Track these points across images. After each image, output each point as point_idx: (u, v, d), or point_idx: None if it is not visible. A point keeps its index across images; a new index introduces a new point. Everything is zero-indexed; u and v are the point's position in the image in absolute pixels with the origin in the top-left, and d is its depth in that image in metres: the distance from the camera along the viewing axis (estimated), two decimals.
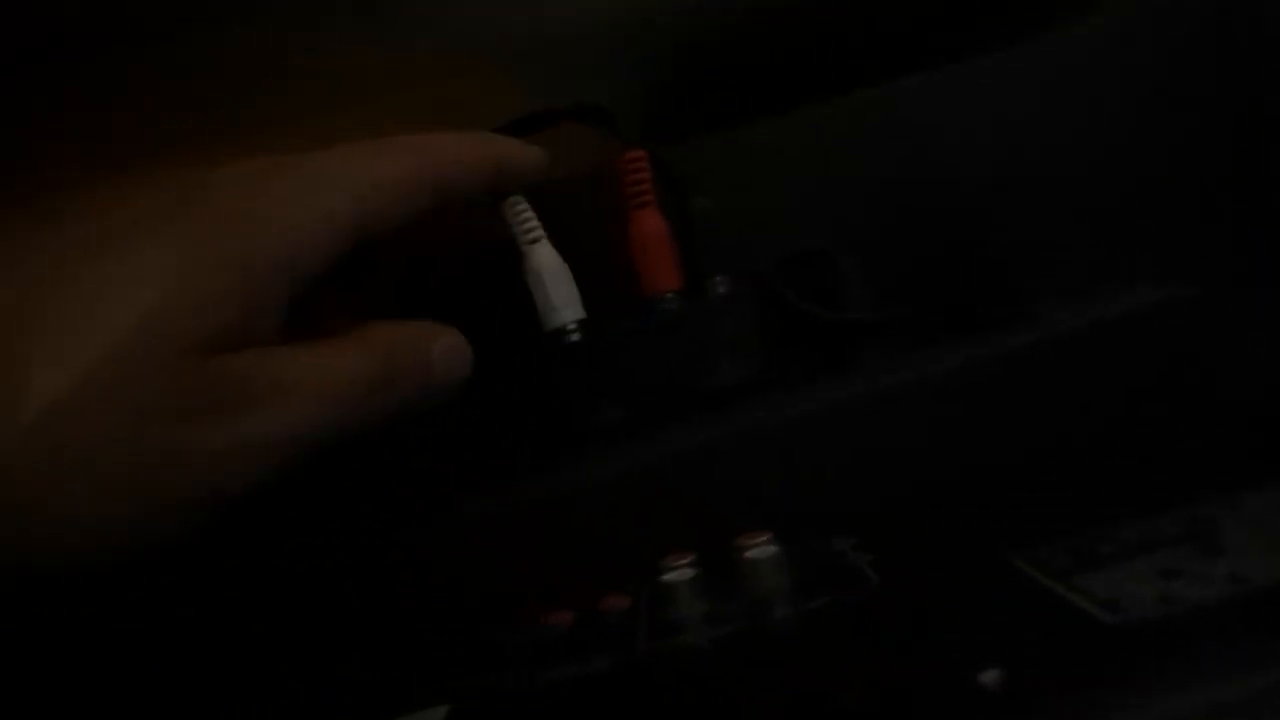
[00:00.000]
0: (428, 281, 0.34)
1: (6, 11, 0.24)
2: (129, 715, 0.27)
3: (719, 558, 0.25)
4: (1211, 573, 0.17)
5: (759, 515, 0.26)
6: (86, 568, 0.21)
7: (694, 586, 0.24)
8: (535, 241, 0.30)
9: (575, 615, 0.26)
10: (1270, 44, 0.36)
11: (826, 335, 0.34)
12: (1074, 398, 0.27)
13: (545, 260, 0.30)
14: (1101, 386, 0.27)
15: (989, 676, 0.16)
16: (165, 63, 0.25)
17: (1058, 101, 0.37)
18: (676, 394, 0.31)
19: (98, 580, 0.22)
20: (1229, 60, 0.37)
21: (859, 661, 0.19)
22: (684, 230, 0.32)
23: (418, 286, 0.34)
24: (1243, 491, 0.20)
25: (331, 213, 0.23)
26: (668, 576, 0.24)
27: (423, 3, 0.32)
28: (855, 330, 0.33)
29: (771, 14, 0.41)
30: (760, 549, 0.24)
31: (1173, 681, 0.15)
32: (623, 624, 0.24)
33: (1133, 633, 0.16)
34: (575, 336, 0.30)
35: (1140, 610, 0.17)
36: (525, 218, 0.30)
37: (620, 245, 0.31)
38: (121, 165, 0.28)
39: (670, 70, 0.45)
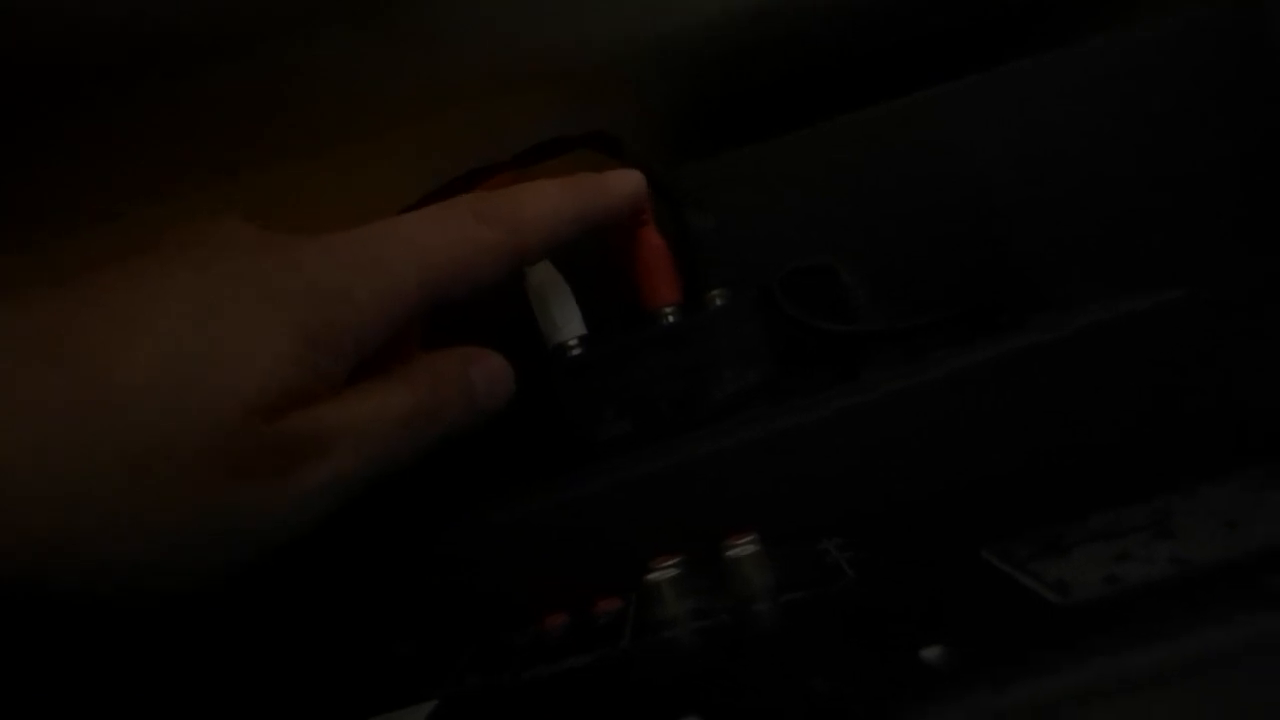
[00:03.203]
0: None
1: (25, 49, 0.25)
2: (129, 714, 0.28)
3: (705, 558, 0.25)
4: (1156, 555, 0.18)
5: (757, 521, 0.27)
6: (122, 609, 0.21)
7: (679, 585, 0.25)
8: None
9: (569, 618, 0.27)
10: None
11: (828, 347, 0.34)
12: (1060, 401, 0.27)
13: (546, 278, 0.31)
14: (1087, 389, 0.27)
15: (931, 652, 0.17)
16: (186, 92, 0.27)
17: (1072, 113, 0.37)
18: (677, 407, 0.32)
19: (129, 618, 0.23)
20: (1252, 70, 0.37)
21: (826, 649, 0.20)
22: (684, 246, 0.33)
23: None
24: (1204, 484, 0.21)
25: (402, 288, 0.23)
26: (653, 576, 0.25)
27: (448, 29, 0.34)
28: (856, 342, 0.34)
29: (788, 35, 0.42)
30: (742, 548, 0.24)
31: (1103, 651, 0.15)
32: (612, 623, 0.25)
33: (1076, 610, 0.17)
34: (576, 351, 0.31)
35: (1086, 591, 0.17)
36: None
37: (622, 263, 0.33)
38: (150, 194, 0.30)
39: (693, 90, 0.46)
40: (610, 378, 0.32)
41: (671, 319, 0.32)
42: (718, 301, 0.33)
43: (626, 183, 0.29)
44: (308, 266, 0.22)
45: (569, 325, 0.31)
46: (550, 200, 0.27)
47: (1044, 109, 0.37)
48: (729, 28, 0.41)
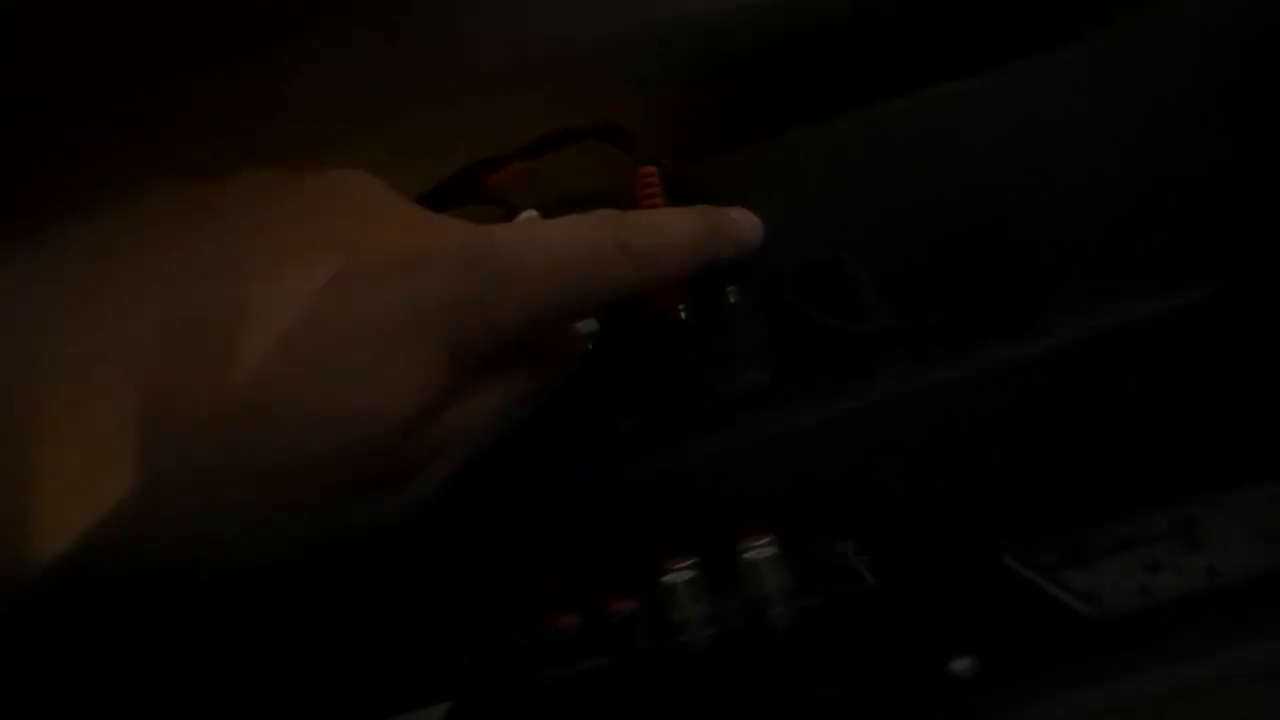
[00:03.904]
0: None
1: (24, 48, 0.25)
2: (132, 713, 0.28)
3: (720, 560, 0.25)
4: (1190, 566, 0.17)
5: (770, 521, 0.26)
6: (216, 595, 0.22)
7: (694, 587, 0.24)
8: None
9: (581, 617, 0.26)
10: None
11: (839, 344, 0.34)
12: (1080, 403, 0.27)
13: None
14: (1107, 391, 0.27)
15: (961, 664, 0.17)
16: (186, 91, 0.26)
17: (1079, 111, 0.37)
18: (688, 404, 0.32)
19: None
20: (1262, 67, 0.37)
21: (847, 656, 0.19)
22: None
23: None
24: (1234, 490, 0.20)
25: (537, 303, 0.23)
26: (668, 578, 0.24)
27: (448, 28, 0.33)
28: (866, 340, 0.34)
29: (791, 32, 0.42)
30: (758, 550, 0.24)
31: (1138, 666, 0.15)
32: (625, 625, 0.25)
33: (1109, 623, 0.17)
34: (587, 348, 0.31)
35: (1119, 603, 0.17)
36: None
37: None
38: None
39: (696, 87, 0.45)
40: (621, 375, 0.32)
41: (683, 316, 0.32)
42: (729, 299, 0.32)
43: (754, 229, 0.29)
44: (453, 275, 0.21)
45: (580, 322, 0.30)
46: (689, 238, 0.27)
47: (1051, 107, 0.37)
48: (732, 24, 0.41)
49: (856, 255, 0.36)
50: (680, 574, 0.25)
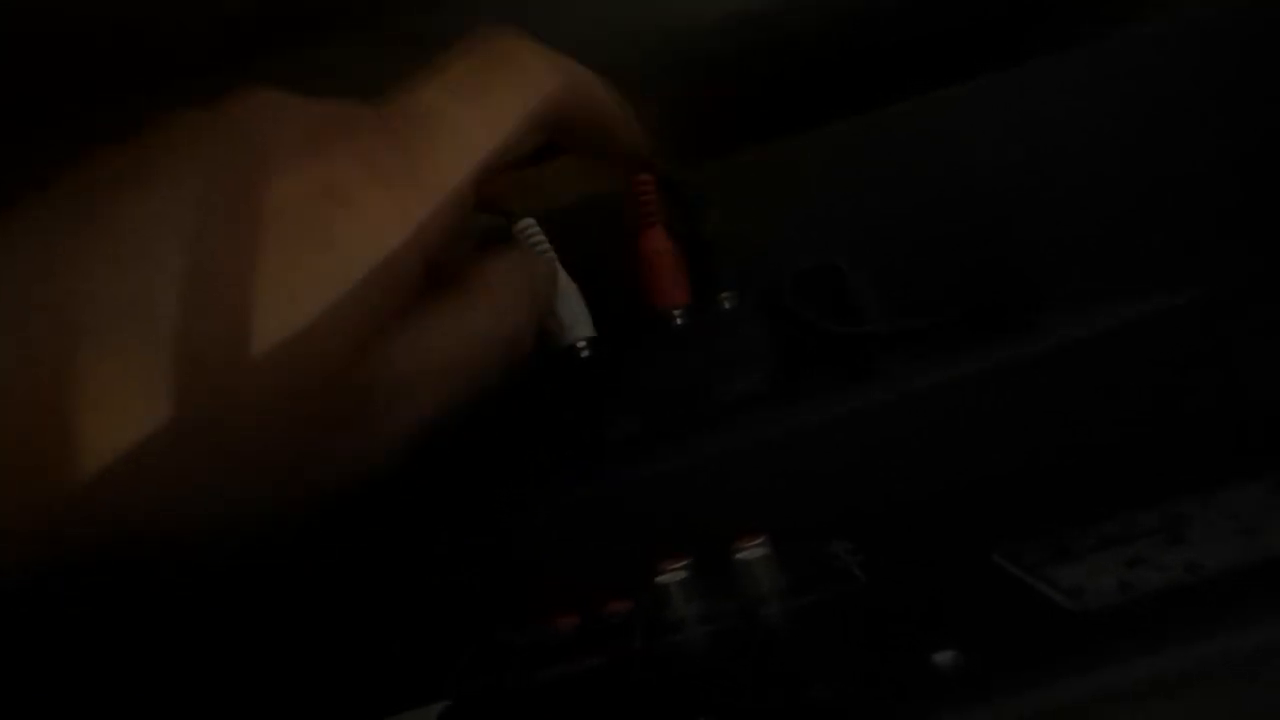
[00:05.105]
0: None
1: (29, 53, 0.25)
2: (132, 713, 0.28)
3: (715, 560, 0.25)
4: (1170, 562, 0.18)
5: (766, 522, 0.27)
6: (199, 548, 0.21)
7: (689, 587, 0.25)
8: None
9: (580, 618, 0.27)
10: None
11: (836, 349, 0.34)
12: (1073, 404, 0.27)
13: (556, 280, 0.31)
14: (1101, 393, 0.27)
15: (943, 657, 0.17)
16: (188, 96, 0.27)
17: (1078, 113, 0.37)
18: (685, 407, 0.32)
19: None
20: (1261, 68, 0.37)
21: (837, 653, 0.20)
22: (693, 248, 0.33)
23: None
24: (1220, 488, 0.20)
25: (459, 198, 0.21)
26: (663, 578, 0.25)
27: (448, 33, 0.34)
28: (864, 343, 0.34)
29: (793, 36, 0.42)
30: (751, 551, 0.24)
31: (1116, 658, 0.15)
32: (622, 625, 0.25)
33: (1089, 617, 0.17)
34: (585, 353, 0.31)
35: (1101, 598, 0.17)
36: (536, 240, 0.31)
37: (631, 264, 0.32)
38: None
39: (697, 91, 0.46)
40: (619, 379, 0.32)
41: (680, 320, 0.32)
42: (726, 303, 0.32)
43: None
44: (358, 197, 0.20)
45: (578, 327, 0.31)
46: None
47: (1049, 110, 0.37)
48: (734, 28, 0.41)
49: (853, 258, 0.36)
50: (674, 574, 0.25)
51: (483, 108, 0.23)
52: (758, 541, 0.25)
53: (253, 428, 0.19)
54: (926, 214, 0.37)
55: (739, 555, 0.24)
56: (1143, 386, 0.27)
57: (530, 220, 0.31)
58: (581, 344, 0.31)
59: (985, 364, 0.29)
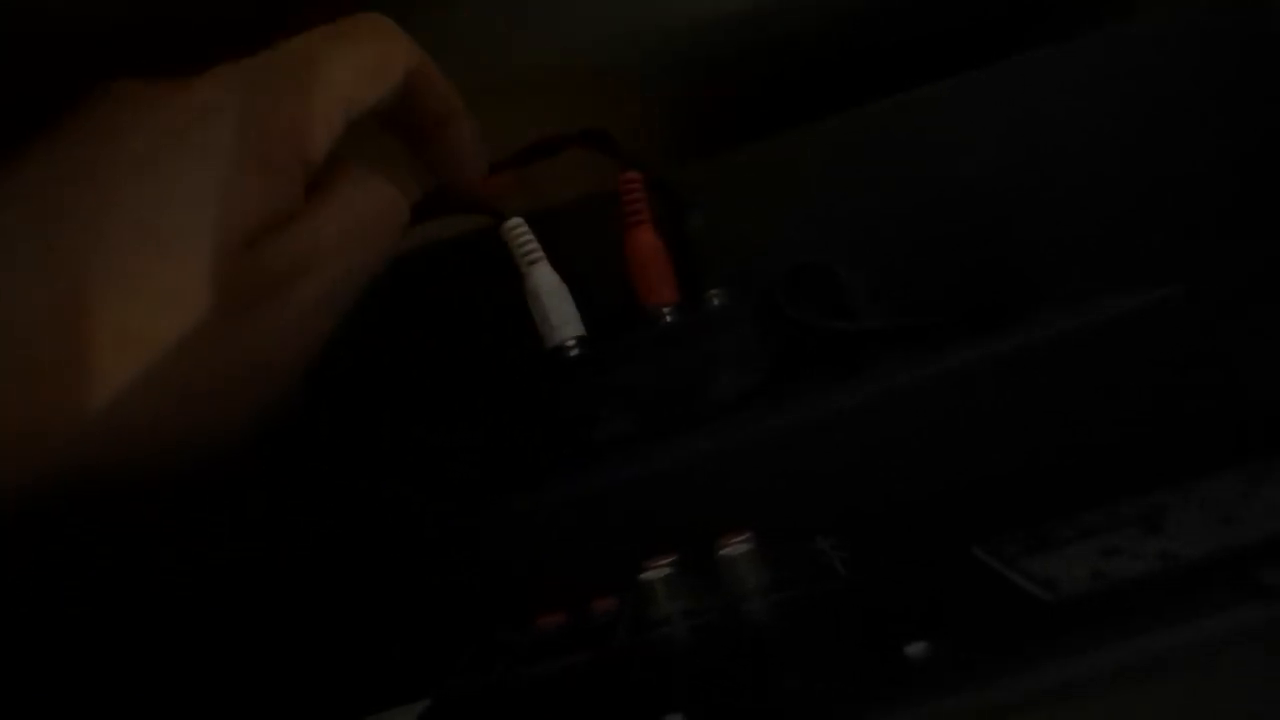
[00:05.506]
0: (442, 304, 0.35)
1: (22, 46, 0.26)
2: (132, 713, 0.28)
3: (699, 557, 0.25)
4: (1144, 551, 0.17)
5: (754, 520, 0.26)
6: (160, 475, 0.23)
7: (673, 584, 0.25)
8: (534, 263, 0.31)
9: (566, 617, 0.27)
10: None
11: (828, 347, 0.34)
12: (1056, 399, 0.27)
13: (544, 280, 0.31)
14: (1083, 387, 0.27)
15: (915, 649, 0.17)
16: None
17: (1073, 110, 0.37)
18: (675, 406, 0.32)
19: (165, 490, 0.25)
20: (1252, 69, 0.36)
21: (815, 647, 0.20)
22: (681, 246, 0.33)
23: (433, 311, 0.36)
24: (1199, 480, 0.20)
25: (327, 110, 0.25)
26: (647, 575, 0.25)
27: (447, 33, 0.34)
28: (855, 341, 0.34)
29: (788, 35, 0.42)
30: (735, 547, 0.24)
31: (1088, 646, 0.15)
32: (607, 622, 0.25)
33: (1061, 606, 0.17)
34: (574, 352, 0.31)
35: (1074, 587, 0.17)
36: (524, 240, 0.31)
37: (620, 262, 0.33)
38: None
39: (693, 90, 0.46)
40: (608, 378, 0.32)
41: (669, 318, 0.32)
42: (715, 301, 0.32)
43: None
44: (240, 104, 0.24)
45: (567, 326, 0.31)
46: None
47: (1044, 106, 0.37)
48: (729, 27, 0.41)
49: (848, 256, 0.36)
50: (659, 571, 0.25)
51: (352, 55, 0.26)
52: (742, 538, 0.25)
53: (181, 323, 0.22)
54: (922, 212, 0.37)
55: (723, 552, 0.24)
56: (1128, 382, 0.27)
57: (519, 220, 0.31)
58: (571, 343, 0.31)
59: (970, 360, 0.29)
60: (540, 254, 0.31)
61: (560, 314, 0.31)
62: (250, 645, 0.29)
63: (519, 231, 0.31)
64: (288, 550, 0.30)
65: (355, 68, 0.26)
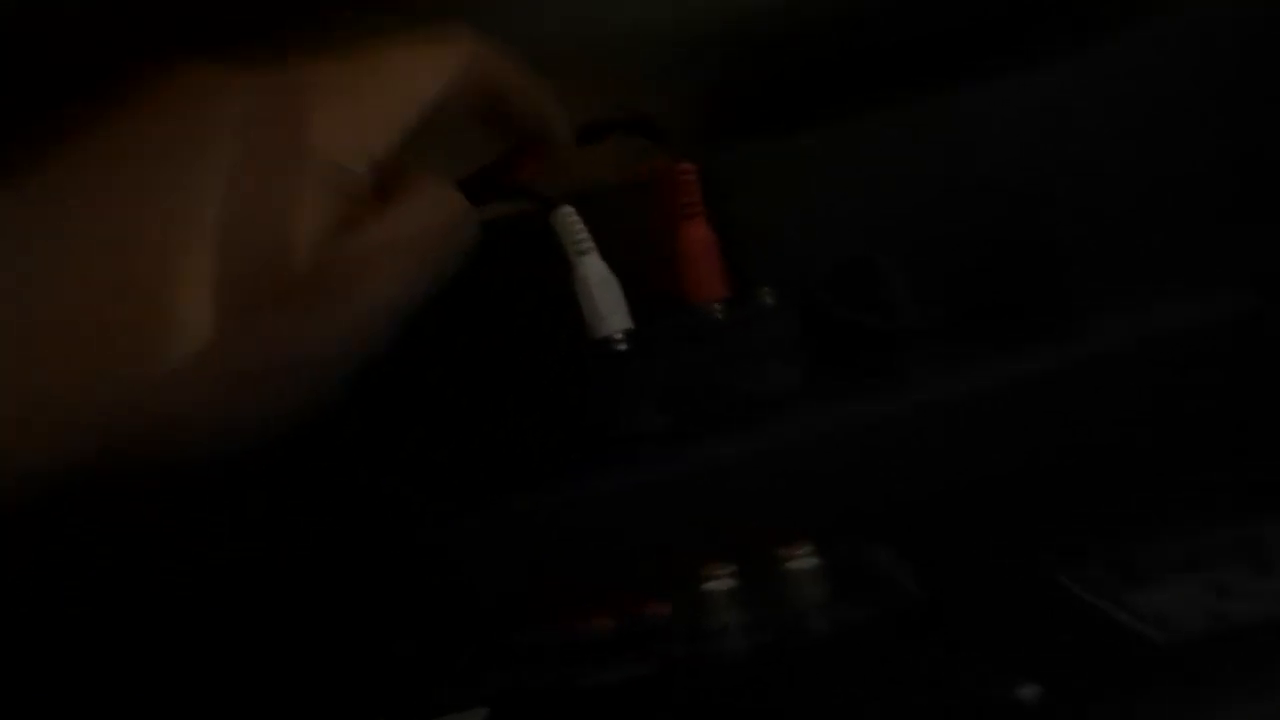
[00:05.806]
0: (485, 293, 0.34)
1: (23, 44, 0.25)
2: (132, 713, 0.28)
3: (759, 567, 0.25)
4: (1263, 591, 0.17)
5: (800, 522, 0.26)
6: (209, 461, 0.23)
7: (734, 595, 0.24)
8: (585, 253, 0.30)
9: (616, 620, 0.26)
10: None
11: (872, 344, 0.34)
12: (1122, 412, 0.27)
13: (594, 271, 0.30)
14: (1149, 401, 0.27)
15: (1028, 692, 0.16)
16: None
17: (1110, 111, 0.36)
18: (721, 402, 0.31)
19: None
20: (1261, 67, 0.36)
21: (898, 674, 0.19)
22: (731, 241, 0.32)
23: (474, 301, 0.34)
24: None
25: (398, 112, 0.24)
26: (709, 585, 0.24)
27: (470, 20, 0.33)
28: (900, 339, 0.33)
29: (812, 25, 0.41)
30: (801, 560, 0.24)
31: (1220, 699, 0.15)
32: (663, 630, 0.25)
33: (1182, 650, 0.16)
34: (622, 346, 0.30)
35: (1190, 628, 0.17)
36: (576, 229, 0.30)
37: (669, 254, 0.32)
38: None
39: (727, 77, 0.45)
40: (653, 372, 0.31)
41: (718, 314, 0.31)
42: (765, 299, 0.32)
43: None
44: (305, 106, 0.23)
45: (614, 318, 0.30)
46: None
47: (1078, 108, 0.37)
48: (753, 17, 0.40)
49: (887, 254, 0.35)
50: (720, 582, 0.24)
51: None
52: (805, 550, 0.24)
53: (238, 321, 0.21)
54: (956, 208, 0.36)
55: (789, 565, 0.24)
56: (1207, 397, 0.26)
57: (569, 209, 0.30)
58: (618, 336, 0.30)
59: (1029, 364, 0.28)
60: (591, 244, 0.30)
61: (609, 306, 0.30)
62: (250, 645, 0.28)
63: (571, 220, 0.30)
64: (288, 550, 0.30)
65: (429, 72, 0.25)
